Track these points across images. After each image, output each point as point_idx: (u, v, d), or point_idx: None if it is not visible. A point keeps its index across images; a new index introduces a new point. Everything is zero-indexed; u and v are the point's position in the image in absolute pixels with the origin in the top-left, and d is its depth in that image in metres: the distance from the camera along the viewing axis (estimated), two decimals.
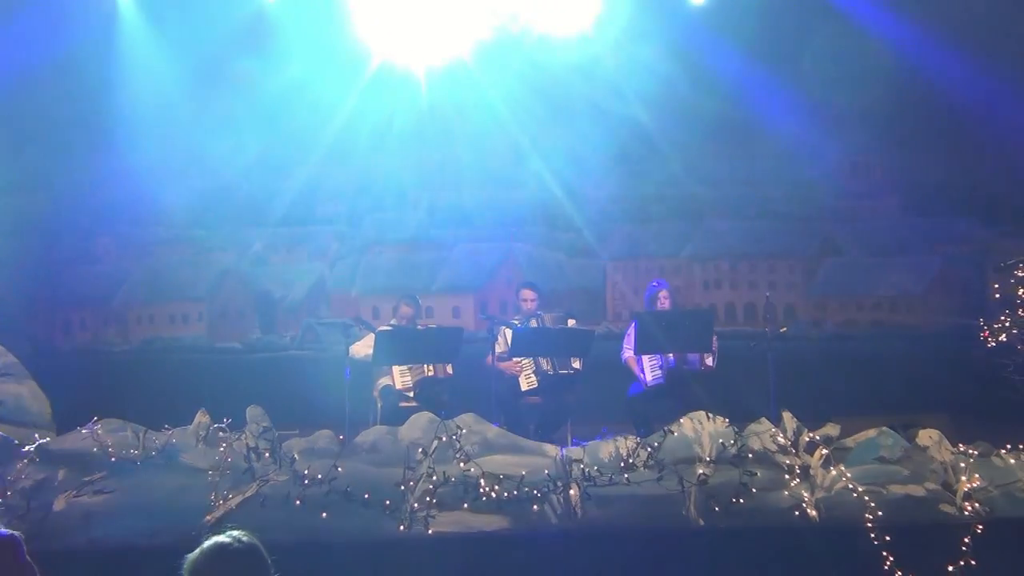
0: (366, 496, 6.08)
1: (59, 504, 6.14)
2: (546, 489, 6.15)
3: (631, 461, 6.27)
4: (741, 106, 10.55)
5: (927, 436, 6.62)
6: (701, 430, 6.43)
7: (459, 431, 6.43)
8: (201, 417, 6.54)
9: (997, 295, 8.57)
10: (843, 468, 6.30)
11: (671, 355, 7.80)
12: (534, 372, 7.98)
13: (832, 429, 6.60)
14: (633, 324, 7.94)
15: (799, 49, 10.23)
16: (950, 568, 5.85)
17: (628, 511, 6.13)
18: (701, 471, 6.22)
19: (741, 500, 6.12)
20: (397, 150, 11.26)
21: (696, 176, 11.27)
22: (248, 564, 2.93)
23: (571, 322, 8.26)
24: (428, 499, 6.08)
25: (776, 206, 11.44)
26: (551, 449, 6.62)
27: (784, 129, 10.75)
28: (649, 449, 6.31)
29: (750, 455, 6.30)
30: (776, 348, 7.37)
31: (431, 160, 11.48)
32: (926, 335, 10.73)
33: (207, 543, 2.94)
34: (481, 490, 6.10)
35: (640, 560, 5.97)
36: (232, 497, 6.09)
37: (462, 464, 6.23)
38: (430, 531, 6.00)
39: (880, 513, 6.01)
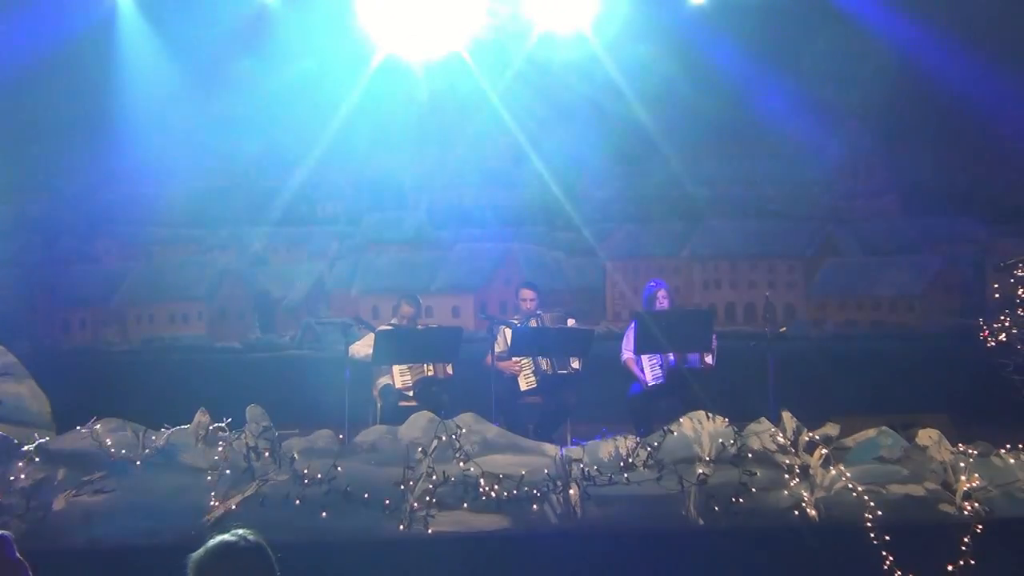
0: (366, 496, 6.08)
1: (58, 503, 6.13)
2: (546, 489, 6.15)
3: (631, 461, 6.26)
4: (741, 106, 10.56)
5: (927, 436, 6.61)
6: (701, 430, 6.42)
7: (459, 431, 6.42)
8: (201, 417, 6.53)
9: (997, 295, 8.57)
10: (843, 468, 6.30)
11: (671, 354, 7.80)
12: (533, 372, 7.98)
13: (832, 429, 6.59)
14: (632, 326, 7.93)
15: (799, 49, 10.23)
16: (950, 568, 5.85)
17: (628, 511, 6.13)
18: (701, 471, 6.22)
19: (741, 500, 6.12)
20: (397, 149, 11.27)
21: (696, 176, 11.27)
22: (254, 563, 2.92)
23: (571, 322, 8.26)
24: (428, 499, 6.08)
25: (776, 206, 11.45)
26: (551, 449, 6.61)
27: (784, 129, 10.76)
28: (649, 449, 6.31)
29: (750, 455, 6.29)
30: (776, 348, 7.36)
31: (431, 160, 11.49)
32: (926, 335, 10.75)
33: (212, 541, 2.93)
34: (481, 490, 6.10)
35: (640, 560, 5.97)
36: (232, 497, 6.09)
37: (462, 464, 6.23)
38: (430, 531, 6.00)
39: (880, 513, 6.01)
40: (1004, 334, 7.17)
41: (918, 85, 10.22)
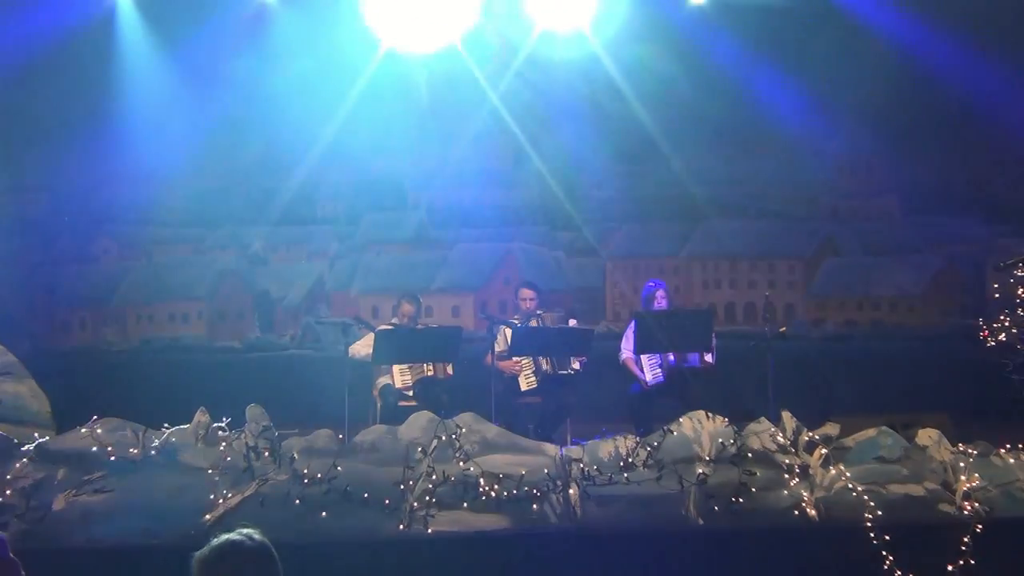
0: (365, 495, 6.07)
1: (58, 503, 6.13)
2: (545, 488, 6.14)
3: (630, 460, 6.26)
4: (741, 106, 10.57)
5: (926, 436, 6.61)
6: (701, 429, 6.42)
7: (458, 430, 6.42)
8: (200, 416, 6.53)
9: (997, 295, 8.57)
10: (842, 467, 6.30)
11: (671, 354, 7.79)
12: (534, 372, 7.97)
13: (831, 428, 6.59)
14: (631, 326, 7.93)
15: (800, 49, 10.23)
16: (949, 568, 5.84)
17: (627, 510, 6.12)
18: (700, 470, 6.21)
19: (740, 500, 6.12)
20: (397, 149, 11.28)
21: (696, 176, 11.28)
22: (259, 563, 2.91)
23: (572, 322, 8.24)
24: (427, 498, 6.07)
25: (776, 206, 11.47)
26: (551, 448, 6.61)
27: (784, 129, 10.77)
28: (648, 448, 6.30)
29: (750, 454, 6.29)
30: (776, 348, 7.36)
31: (431, 160, 11.50)
32: (926, 335, 10.76)
33: (218, 540, 2.92)
34: (480, 489, 6.09)
35: (639, 559, 5.97)
36: (231, 496, 6.08)
37: (461, 463, 6.23)
38: (429, 530, 6.00)
39: (879, 512, 6.00)
40: (1004, 334, 7.16)
41: (918, 85, 10.22)
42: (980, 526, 5.98)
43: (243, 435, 6.37)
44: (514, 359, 7.96)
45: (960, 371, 8.87)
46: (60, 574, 5.71)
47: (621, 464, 6.25)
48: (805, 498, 6.18)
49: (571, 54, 10.39)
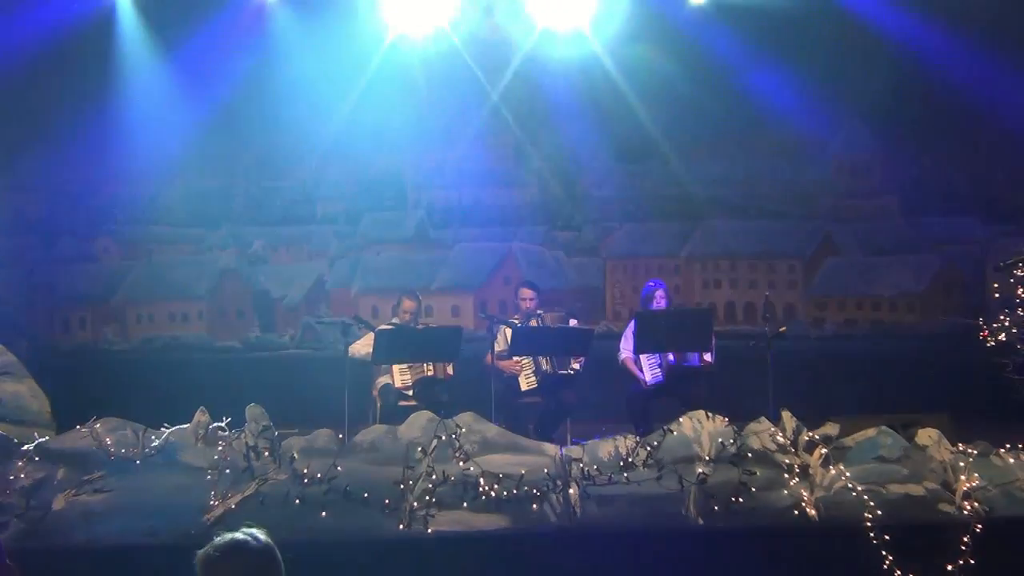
0: (365, 495, 6.07)
1: (58, 503, 6.13)
2: (545, 488, 6.14)
3: (630, 460, 6.26)
4: (741, 105, 10.56)
5: (926, 435, 6.61)
6: (700, 429, 6.42)
7: (458, 430, 6.42)
8: (200, 416, 6.53)
9: (997, 294, 8.57)
10: (842, 467, 6.29)
11: (670, 353, 7.80)
12: (534, 372, 7.97)
13: (831, 428, 6.59)
14: (630, 326, 7.93)
15: (800, 48, 10.22)
16: (949, 567, 5.84)
17: (627, 510, 6.12)
18: (700, 470, 6.21)
19: (740, 499, 6.12)
20: (397, 149, 11.29)
21: (696, 176, 11.28)
22: (263, 563, 2.91)
23: (573, 322, 8.24)
24: (427, 498, 6.07)
25: (776, 206, 11.46)
26: (550, 448, 6.61)
27: (784, 128, 10.77)
28: (648, 448, 6.30)
29: (749, 454, 6.29)
30: (776, 348, 7.36)
31: (431, 160, 11.50)
32: (925, 335, 10.76)
33: (222, 539, 2.92)
34: (480, 489, 6.09)
35: (639, 559, 5.97)
36: (231, 496, 6.08)
37: (461, 463, 6.23)
38: (429, 530, 6.00)
39: (879, 512, 6.00)
40: (1004, 334, 7.16)
41: (918, 85, 10.23)
42: (980, 526, 5.98)
43: (243, 435, 6.37)
44: (514, 359, 7.96)
45: (960, 371, 8.86)
46: (60, 574, 5.72)
47: (621, 464, 6.25)
48: (805, 498, 6.17)
49: (571, 53, 10.39)
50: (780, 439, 6.39)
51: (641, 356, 7.87)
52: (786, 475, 6.27)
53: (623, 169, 11.42)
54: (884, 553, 5.83)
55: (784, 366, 7.30)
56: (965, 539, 5.91)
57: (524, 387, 7.97)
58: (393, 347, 7.67)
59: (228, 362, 10.72)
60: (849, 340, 10.94)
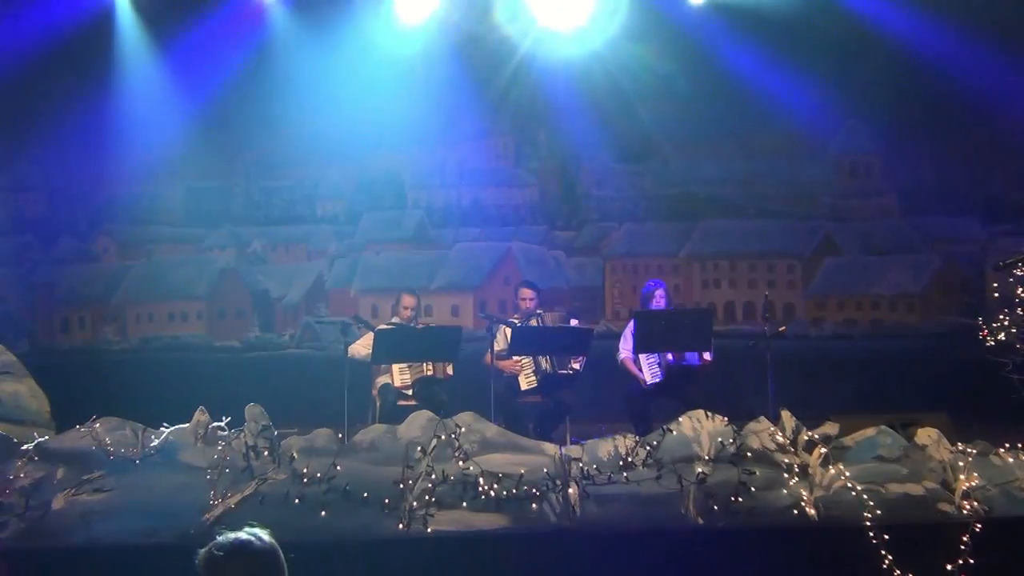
0: (365, 495, 6.07)
1: (58, 503, 6.13)
2: (545, 488, 6.14)
3: (630, 460, 6.26)
4: (741, 105, 10.57)
5: (926, 435, 6.60)
6: (700, 429, 6.42)
7: (458, 429, 6.42)
8: (200, 415, 6.53)
9: (996, 294, 8.57)
10: (842, 467, 6.29)
11: (670, 353, 7.79)
12: (534, 372, 7.97)
13: (831, 428, 6.59)
14: (629, 325, 7.92)
15: (799, 48, 10.23)
16: (948, 567, 5.84)
17: (627, 510, 6.12)
18: (700, 470, 6.21)
19: (740, 499, 6.11)
20: (397, 149, 11.29)
21: (696, 176, 11.29)
22: (267, 564, 2.91)
23: (573, 322, 8.24)
24: (427, 498, 6.07)
25: (776, 206, 11.46)
26: (550, 448, 6.61)
27: (784, 128, 10.77)
28: (648, 448, 6.30)
29: (749, 454, 6.28)
30: (775, 347, 7.36)
31: (430, 159, 11.51)
32: (925, 334, 10.76)
33: (226, 538, 2.91)
34: (480, 489, 6.09)
35: (639, 559, 5.97)
36: (231, 496, 6.08)
37: (461, 463, 6.23)
38: (429, 530, 6.00)
39: (879, 512, 6.00)
40: (1004, 334, 7.16)
41: (918, 85, 10.23)
42: (979, 525, 5.98)
43: (242, 434, 6.37)
44: (514, 358, 7.96)
45: (960, 371, 8.86)
46: (60, 574, 5.72)
47: (620, 463, 6.25)
48: (804, 497, 6.17)
49: (571, 52, 10.40)
50: (779, 439, 6.39)
51: (641, 356, 7.87)
52: (785, 475, 6.26)
53: (623, 169, 11.44)
54: (883, 553, 5.82)
55: (784, 366, 7.30)
56: (964, 539, 5.91)
57: (524, 387, 7.97)
58: (393, 347, 7.67)
59: (227, 362, 10.73)
60: (848, 340, 10.95)
